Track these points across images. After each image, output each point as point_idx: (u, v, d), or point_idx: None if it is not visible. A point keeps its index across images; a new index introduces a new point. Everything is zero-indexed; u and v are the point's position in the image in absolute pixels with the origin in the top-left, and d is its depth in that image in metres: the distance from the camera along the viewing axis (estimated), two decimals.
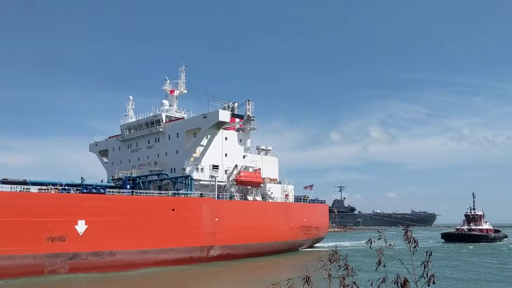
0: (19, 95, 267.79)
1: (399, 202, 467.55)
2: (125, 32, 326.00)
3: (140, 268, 52.54)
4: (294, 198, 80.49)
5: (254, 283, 45.91)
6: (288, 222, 73.12)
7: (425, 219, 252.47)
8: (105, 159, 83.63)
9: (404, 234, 8.44)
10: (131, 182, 62.59)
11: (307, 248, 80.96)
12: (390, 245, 8.72)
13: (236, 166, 70.01)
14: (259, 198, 71.18)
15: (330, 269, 8.82)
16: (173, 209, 56.58)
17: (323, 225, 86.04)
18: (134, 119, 76.22)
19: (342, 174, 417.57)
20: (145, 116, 73.54)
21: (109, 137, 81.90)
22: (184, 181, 61.70)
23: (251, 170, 71.45)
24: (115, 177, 66.52)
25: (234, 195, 66.23)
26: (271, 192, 73.90)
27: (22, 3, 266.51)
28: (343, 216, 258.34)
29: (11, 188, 51.84)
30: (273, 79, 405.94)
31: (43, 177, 53.77)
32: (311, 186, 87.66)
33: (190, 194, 60.10)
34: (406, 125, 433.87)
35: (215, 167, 67.27)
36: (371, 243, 8.80)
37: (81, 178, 56.28)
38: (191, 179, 61.20)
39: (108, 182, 65.06)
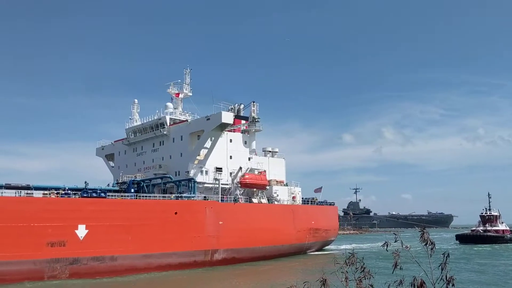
0: (32, 102, 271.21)
1: (415, 203, 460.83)
2: (129, 35, 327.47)
3: (142, 273, 51.93)
4: (302, 200, 79.21)
5: (263, 287, 44.88)
6: (295, 225, 71.87)
7: (441, 221, 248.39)
8: (111, 163, 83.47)
9: (421, 236, 8.41)
10: (135, 185, 62.14)
11: (316, 251, 79.60)
12: (406, 247, 8.68)
13: (240, 168, 69.05)
14: (264, 200, 70.07)
15: (346, 271, 8.87)
16: (175, 213, 55.86)
17: (333, 227, 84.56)
18: (139, 123, 75.90)
19: (357, 176, 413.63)
20: (150, 120, 73.14)
21: (115, 141, 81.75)
22: (187, 184, 61.02)
23: (256, 172, 70.39)
24: (120, 181, 66.12)
25: (238, 198, 65.30)
26: (277, 195, 72.75)
27: (33, 11, 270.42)
28: (358, 218, 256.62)
29: (15, 193, 51.72)
30: (286, 82, 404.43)
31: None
32: (320, 188, 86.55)
33: (193, 197, 59.31)
34: (421, 125, 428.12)
35: (219, 169, 66.44)
36: (387, 245, 8.84)
37: (85, 182, 55.87)
38: (194, 182, 60.45)
39: (112, 186, 64.70)
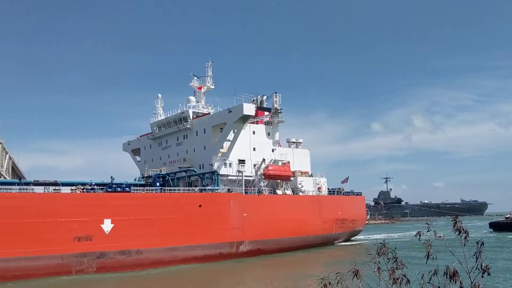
0: (69, 100, 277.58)
1: (447, 191, 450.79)
2: (151, 30, 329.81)
3: (168, 266, 52.27)
4: (328, 191, 78.38)
5: (292, 278, 44.50)
6: (321, 216, 71.23)
7: (475, 208, 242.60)
8: (138, 158, 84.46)
9: (454, 225, 8.31)
10: (160, 179, 62.59)
11: (343, 241, 78.74)
12: (439, 236, 8.57)
13: (264, 160, 68.69)
14: (289, 192, 69.62)
15: (379, 262, 8.77)
16: (200, 205, 55.98)
17: (360, 217, 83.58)
18: (163, 117, 76.43)
19: (387, 165, 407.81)
20: (173, 114, 73.53)
21: (140, 136, 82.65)
22: (211, 177, 61.11)
23: (280, 163, 69.98)
24: (145, 175, 66.79)
25: (262, 190, 65.02)
26: (302, 186, 72.18)
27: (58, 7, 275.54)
28: (389, 207, 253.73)
29: (43, 189, 52.89)
30: (312, 71, 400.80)
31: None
32: (347, 178, 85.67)
33: (217, 189, 59.38)
34: (452, 112, 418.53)
35: (242, 161, 66.27)
36: (420, 235, 8.78)
37: (111, 177, 56.61)
38: (218, 174, 60.45)
39: (138, 180, 65.41)
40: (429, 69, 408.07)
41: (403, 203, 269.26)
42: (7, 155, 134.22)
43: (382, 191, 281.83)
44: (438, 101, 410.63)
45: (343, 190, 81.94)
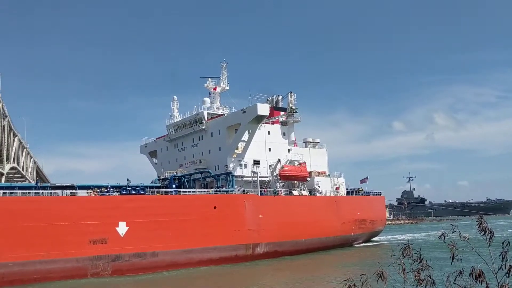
0: (88, 105, 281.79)
1: (472, 190, 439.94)
2: (166, 34, 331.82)
3: (184, 268, 52.07)
4: (346, 191, 77.27)
5: (309, 281, 43.76)
6: (339, 217, 70.23)
7: (501, 207, 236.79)
8: (155, 160, 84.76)
9: (478, 226, 8.22)
10: (176, 181, 62.56)
11: (363, 242, 77.50)
12: (465, 237, 8.50)
13: (279, 160, 67.98)
14: (305, 192, 68.81)
15: (403, 263, 8.75)
16: (215, 207, 55.66)
17: (379, 218, 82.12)
18: (179, 119, 76.47)
19: (410, 164, 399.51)
20: (189, 115, 73.48)
21: (157, 138, 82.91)
22: (226, 178, 60.74)
23: (296, 164, 69.18)
24: (161, 177, 66.89)
25: (278, 191, 64.37)
26: (319, 186, 71.25)
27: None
28: (413, 207, 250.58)
29: (61, 192, 53.37)
30: (331, 69, 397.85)
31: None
32: (366, 178, 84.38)
33: (232, 191, 58.95)
34: (476, 109, 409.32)
35: (256, 162, 65.75)
36: (444, 237, 8.68)
37: (127, 179, 56.70)
38: (232, 175, 60.04)
39: (154, 183, 65.52)
40: (451, 65, 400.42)
41: (426, 202, 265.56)
42: (32, 160, 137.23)
43: (405, 190, 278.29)
44: (462, 98, 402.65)
45: (362, 190, 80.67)
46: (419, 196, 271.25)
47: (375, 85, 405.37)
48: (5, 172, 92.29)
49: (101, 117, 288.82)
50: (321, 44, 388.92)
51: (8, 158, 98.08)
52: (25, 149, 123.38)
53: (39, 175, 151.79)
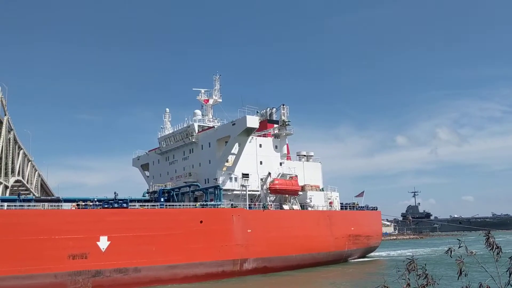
0: (92, 118, 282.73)
1: (477, 205, 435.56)
2: (156, 44, 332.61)
3: (168, 284, 50.80)
4: (341, 206, 76.04)
5: None
6: (332, 232, 68.85)
7: (507, 222, 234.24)
8: (147, 173, 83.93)
9: (486, 240, 8.17)
10: (165, 194, 61.70)
11: (358, 258, 75.85)
12: (471, 253, 8.45)
13: (269, 173, 66.84)
14: (296, 207, 67.64)
15: (408, 278, 8.63)
16: (201, 221, 54.54)
17: (375, 233, 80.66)
18: (170, 131, 75.77)
19: (415, 178, 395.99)
20: (180, 128, 72.75)
21: (149, 151, 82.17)
22: (214, 192, 59.72)
23: (288, 177, 68.10)
24: (151, 190, 65.94)
25: (267, 205, 63.26)
26: (311, 200, 69.93)
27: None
28: (418, 222, 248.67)
29: (49, 205, 52.45)
30: (336, 85, 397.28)
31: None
32: (362, 193, 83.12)
33: (219, 205, 57.91)
34: (481, 124, 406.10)
35: (245, 175, 64.66)
36: (451, 252, 8.58)
37: (114, 193, 55.74)
38: (220, 189, 59.07)
39: (143, 196, 64.59)
40: (457, 79, 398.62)
41: (432, 217, 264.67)
42: (36, 172, 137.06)
43: (410, 205, 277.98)
44: (466, 113, 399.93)
45: (357, 205, 79.25)
46: (424, 211, 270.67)
47: (379, 100, 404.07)
48: (9, 185, 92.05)
49: (106, 130, 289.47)
50: (324, 58, 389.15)
51: (13, 171, 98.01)
52: (30, 162, 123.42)
53: (44, 188, 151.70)
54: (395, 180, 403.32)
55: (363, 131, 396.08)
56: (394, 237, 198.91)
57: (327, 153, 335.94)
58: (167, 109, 79.01)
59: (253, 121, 61.26)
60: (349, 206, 77.78)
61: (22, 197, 53.51)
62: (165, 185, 65.45)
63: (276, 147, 71.78)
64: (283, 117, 72.53)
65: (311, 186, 72.71)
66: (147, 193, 65.92)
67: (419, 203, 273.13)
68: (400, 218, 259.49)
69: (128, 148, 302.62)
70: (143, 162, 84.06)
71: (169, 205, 56.48)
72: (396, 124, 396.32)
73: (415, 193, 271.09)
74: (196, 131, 69.38)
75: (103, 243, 48.61)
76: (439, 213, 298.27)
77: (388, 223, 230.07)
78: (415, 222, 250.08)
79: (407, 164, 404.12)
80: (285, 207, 66.05)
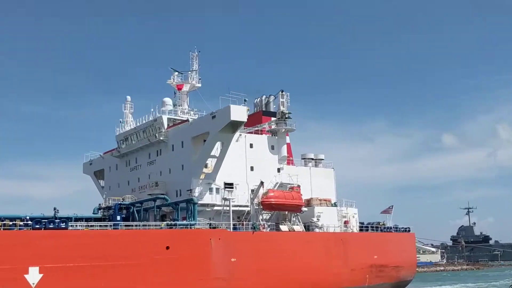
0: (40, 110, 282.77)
1: None
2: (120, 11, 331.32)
3: None
4: (360, 226, 76.26)
5: None
6: (347, 261, 69.67)
7: None
8: (102, 182, 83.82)
9: None
10: (123, 211, 61.39)
11: None
12: None
13: (262, 183, 66.61)
14: (298, 227, 67.92)
15: None
16: (167, 247, 54.37)
17: (407, 263, 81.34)
18: (132, 126, 75.56)
19: (468, 191, 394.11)
20: (144, 122, 72.51)
21: (104, 153, 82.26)
22: (187, 207, 59.31)
23: (288, 188, 68.48)
24: (103, 206, 65.56)
25: (259, 225, 63.31)
26: (318, 219, 69.97)
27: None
28: (473, 248, 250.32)
29: None
30: (364, 68, 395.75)
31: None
32: (390, 208, 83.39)
33: (193, 225, 57.64)
34: None
35: (229, 186, 64.56)
36: None
37: (54, 208, 55.44)
38: (194, 204, 58.76)
39: (93, 213, 64.24)
40: None
41: (491, 242, 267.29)
42: None
43: (462, 226, 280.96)
44: None
45: (383, 224, 79.33)
46: (481, 233, 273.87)
47: (421, 86, 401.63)
48: None
49: (54, 125, 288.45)
50: (348, 35, 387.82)
51: None
52: None
53: None
54: (441, 192, 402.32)
55: (399, 128, 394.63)
56: (442, 268, 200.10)
57: (343, 156, 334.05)
58: (128, 97, 79.20)
59: (239, 113, 61.03)
60: (372, 227, 78.34)
61: None
62: (122, 199, 65.18)
63: (272, 147, 72.13)
64: (282, 108, 72.22)
65: (320, 200, 73.06)
66: (99, 209, 65.69)
67: (474, 223, 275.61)
68: (450, 243, 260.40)
69: (82, 150, 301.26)
70: (96, 168, 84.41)
71: (125, 225, 56.04)
72: (444, 119, 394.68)
73: (469, 210, 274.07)
74: (165, 126, 69.51)
75: (33, 276, 48.25)
76: (501, 236, 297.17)
77: (434, 249, 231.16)
78: (470, 248, 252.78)
79: (457, 171, 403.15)
80: (283, 228, 66.26)
